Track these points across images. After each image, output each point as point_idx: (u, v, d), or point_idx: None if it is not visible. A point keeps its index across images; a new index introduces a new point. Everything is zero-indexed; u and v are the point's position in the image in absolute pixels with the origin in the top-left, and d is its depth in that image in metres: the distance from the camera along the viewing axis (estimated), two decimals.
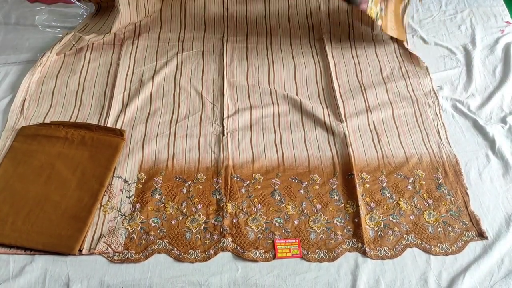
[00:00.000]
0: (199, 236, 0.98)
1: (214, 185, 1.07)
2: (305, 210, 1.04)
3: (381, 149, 1.17)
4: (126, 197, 1.04)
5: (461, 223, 1.03)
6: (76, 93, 1.27)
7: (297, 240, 0.99)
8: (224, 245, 0.97)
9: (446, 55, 1.44)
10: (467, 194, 1.08)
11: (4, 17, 1.55)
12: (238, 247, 0.97)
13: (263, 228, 1.01)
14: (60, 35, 1.45)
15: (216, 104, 1.25)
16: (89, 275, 0.91)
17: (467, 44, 1.47)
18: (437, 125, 1.22)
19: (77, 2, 1.57)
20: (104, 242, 0.95)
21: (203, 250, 0.96)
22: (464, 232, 1.01)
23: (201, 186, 1.07)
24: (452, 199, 1.07)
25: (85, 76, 1.32)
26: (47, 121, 1.20)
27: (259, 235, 0.99)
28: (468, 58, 1.42)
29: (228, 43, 1.42)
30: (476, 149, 1.18)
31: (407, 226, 1.02)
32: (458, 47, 1.46)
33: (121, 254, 0.94)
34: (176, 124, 1.19)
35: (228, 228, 0.99)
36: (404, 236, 1.00)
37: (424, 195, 1.08)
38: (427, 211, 1.05)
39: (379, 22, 1.28)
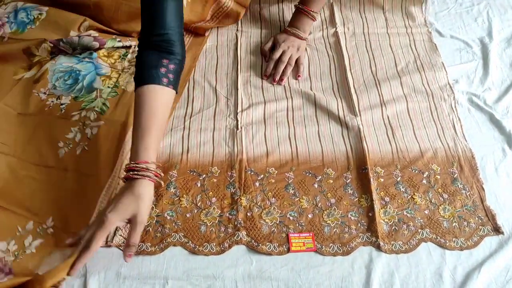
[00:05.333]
0: (214, 229, 0.99)
1: (229, 179, 1.08)
2: (319, 204, 1.05)
3: (395, 143, 1.16)
4: None
5: (476, 218, 1.02)
6: None
7: (311, 234, 0.99)
8: (239, 238, 0.97)
9: (462, 48, 1.42)
10: (483, 189, 1.07)
11: None
12: (253, 240, 0.98)
13: (277, 222, 1.01)
14: None
15: (230, 98, 1.25)
16: (106, 267, 0.93)
17: (483, 37, 1.45)
18: (453, 119, 1.21)
19: None
20: (120, 235, 0.97)
21: (218, 243, 0.97)
22: (480, 227, 1.00)
23: (215, 180, 1.08)
24: (467, 194, 1.06)
25: None
26: None
27: (273, 229, 1.00)
28: (484, 51, 1.40)
29: (242, 37, 1.42)
30: (492, 144, 1.17)
31: (421, 220, 1.01)
32: (475, 40, 1.44)
33: (137, 247, 0.96)
34: (190, 118, 1.20)
35: (242, 222, 1.00)
36: (419, 230, 1.00)
37: (439, 189, 1.07)
38: (442, 206, 1.04)
39: None
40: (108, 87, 1.17)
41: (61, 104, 1.14)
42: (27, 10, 1.32)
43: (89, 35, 1.25)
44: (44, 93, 1.15)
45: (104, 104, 1.13)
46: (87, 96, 1.15)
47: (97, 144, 1.05)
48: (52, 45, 1.23)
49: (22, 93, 1.15)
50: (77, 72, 1.19)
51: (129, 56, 1.26)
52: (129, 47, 1.28)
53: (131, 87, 1.17)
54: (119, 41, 1.27)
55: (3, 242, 0.89)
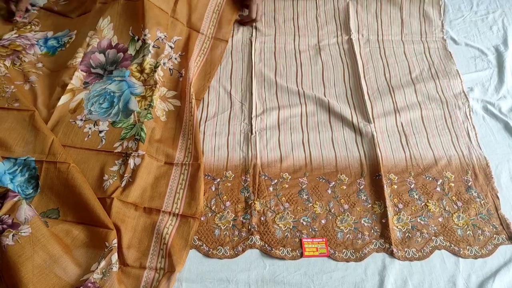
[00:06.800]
0: (228, 233, 1.00)
1: (243, 183, 1.09)
2: (333, 209, 1.05)
3: (409, 150, 1.16)
4: None
5: (491, 226, 1.02)
6: None
7: (324, 239, 1.00)
8: (252, 242, 0.98)
9: (477, 56, 1.41)
10: (498, 197, 1.07)
11: None
12: (266, 245, 0.98)
13: (291, 227, 1.02)
14: None
15: (244, 103, 1.26)
16: None
17: (498, 45, 1.44)
18: (467, 127, 1.21)
19: None
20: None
21: (232, 247, 0.98)
22: (494, 235, 1.00)
23: (229, 184, 1.09)
24: (482, 202, 1.06)
25: None
26: None
27: (286, 234, 1.01)
28: (499, 60, 1.39)
29: (256, 43, 1.43)
30: (507, 152, 1.16)
31: (435, 228, 1.01)
32: (490, 48, 1.44)
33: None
34: (205, 122, 1.21)
35: (256, 226, 1.01)
36: (433, 238, 1.00)
37: (453, 197, 1.07)
38: (456, 214, 1.04)
39: None
40: (145, 108, 1.17)
41: (100, 132, 1.13)
42: (57, 38, 1.36)
43: (112, 46, 1.28)
44: (81, 119, 1.15)
45: (142, 129, 1.12)
46: (125, 122, 1.15)
47: (140, 176, 1.05)
48: (84, 73, 1.24)
49: (59, 123, 1.14)
50: (112, 94, 1.20)
51: (159, 70, 1.25)
52: (157, 51, 1.29)
53: (162, 116, 1.19)
54: (137, 39, 1.29)
55: (95, 263, 0.90)
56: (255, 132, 1.19)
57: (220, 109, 1.25)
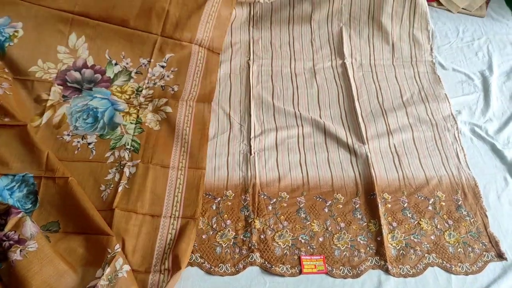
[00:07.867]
0: (229, 251, 1.03)
1: (243, 202, 1.12)
2: (330, 228, 1.09)
3: (402, 171, 1.21)
4: None
5: (480, 244, 1.06)
6: None
7: (322, 257, 1.03)
8: (253, 259, 1.01)
9: (464, 81, 1.48)
10: (486, 216, 1.12)
11: None
12: (266, 262, 1.02)
13: (290, 244, 1.05)
14: None
15: (243, 124, 1.31)
16: None
17: (484, 71, 1.51)
18: (456, 148, 1.27)
19: None
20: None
21: (233, 264, 1.01)
22: (484, 252, 1.05)
23: (230, 203, 1.12)
24: (471, 221, 1.11)
25: None
26: None
27: (285, 251, 1.04)
28: (485, 84, 1.46)
29: (254, 66, 1.48)
30: (494, 172, 1.22)
31: (428, 245, 1.06)
32: (476, 73, 1.51)
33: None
34: None
35: (256, 244, 1.04)
36: (426, 255, 1.04)
37: (444, 216, 1.12)
38: (448, 232, 1.08)
39: None
40: (131, 123, 1.21)
41: (89, 144, 1.17)
42: None
43: (87, 66, 1.29)
44: (68, 135, 1.18)
45: (134, 141, 1.17)
46: (112, 133, 1.19)
47: (138, 183, 1.09)
48: (61, 87, 1.25)
49: (46, 143, 1.15)
50: (95, 109, 1.22)
51: (144, 91, 1.30)
52: (138, 75, 1.32)
53: (156, 125, 1.23)
54: (115, 63, 1.31)
55: (100, 269, 0.92)
56: (254, 153, 1.23)
57: (219, 130, 1.29)
